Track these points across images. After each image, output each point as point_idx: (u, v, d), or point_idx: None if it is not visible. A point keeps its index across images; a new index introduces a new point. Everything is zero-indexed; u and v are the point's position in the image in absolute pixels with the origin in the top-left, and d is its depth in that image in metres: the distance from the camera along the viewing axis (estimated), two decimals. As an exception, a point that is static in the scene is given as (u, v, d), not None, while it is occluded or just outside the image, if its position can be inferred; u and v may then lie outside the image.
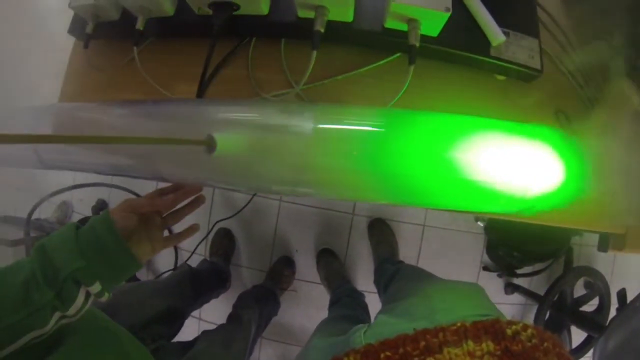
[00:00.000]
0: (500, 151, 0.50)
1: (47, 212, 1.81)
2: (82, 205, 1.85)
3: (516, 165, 0.50)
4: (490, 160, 0.49)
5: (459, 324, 0.38)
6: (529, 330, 0.39)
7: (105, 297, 0.48)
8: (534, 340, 0.38)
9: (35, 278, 0.44)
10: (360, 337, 0.56)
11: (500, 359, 0.36)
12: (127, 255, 0.49)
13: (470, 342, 0.37)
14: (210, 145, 0.47)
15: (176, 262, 1.69)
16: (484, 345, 0.37)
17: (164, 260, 1.73)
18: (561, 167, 0.51)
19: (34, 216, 1.42)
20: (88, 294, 0.47)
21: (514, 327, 0.39)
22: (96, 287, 0.46)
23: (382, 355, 0.37)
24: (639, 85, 0.66)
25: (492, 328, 0.38)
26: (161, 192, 0.59)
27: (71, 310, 0.46)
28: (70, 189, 1.49)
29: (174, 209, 0.60)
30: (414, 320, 0.52)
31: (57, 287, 0.44)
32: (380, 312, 0.72)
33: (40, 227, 1.61)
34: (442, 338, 0.37)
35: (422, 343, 0.37)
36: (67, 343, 0.51)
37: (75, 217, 1.87)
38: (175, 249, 1.70)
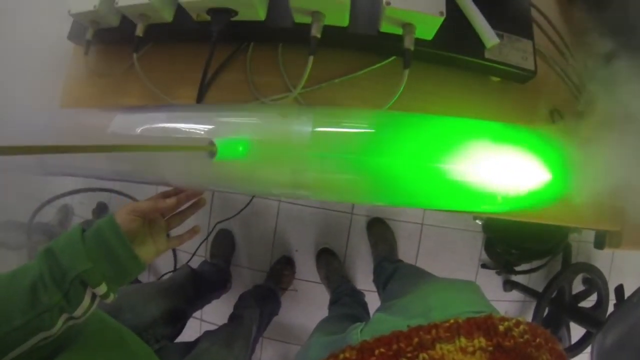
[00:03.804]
0: (491, 153, 0.51)
1: (48, 215, 1.82)
2: (82, 208, 1.86)
3: (505, 165, 0.51)
4: (481, 162, 0.51)
5: (452, 321, 0.39)
6: (522, 326, 0.40)
7: (110, 299, 0.50)
8: (526, 336, 0.39)
9: (43, 280, 0.45)
10: (357, 334, 0.58)
11: (492, 354, 0.37)
12: (132, 257, 0.51)
13: (463, 338, 0.38)
14: (211, 150, 0.48)
15: (175, 264, 1.70)
16: (476, 341, 0.38)
17: (165, 262, 1.74)
18: (547, 166, 0.52)
19: (35, 220, 1.43)
20: (94, 296, 0.48)
21: (506, 323, 0.40)
22: (102, 289, 0.48)
23: (376, 352, 0.38)
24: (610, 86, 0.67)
25: (484, 324, 0.39)
26: (164, 195, 0.60)
27: (78, 312, 0.47)
28: (70, 193, 1.50)
29: (176, 211, 0.62)
30: (409, 318, 0.53)
31: (64, 288, 0.45)
32: (377, 310, 0.73)
33: (42, 230, 1.61)
34: (435, 334, 0.38)
35: (416, 339, 0.38)
36: (75, 344, 0.52)
37: (76, 220, 1.88)
38: (174, 251, 1.71)
